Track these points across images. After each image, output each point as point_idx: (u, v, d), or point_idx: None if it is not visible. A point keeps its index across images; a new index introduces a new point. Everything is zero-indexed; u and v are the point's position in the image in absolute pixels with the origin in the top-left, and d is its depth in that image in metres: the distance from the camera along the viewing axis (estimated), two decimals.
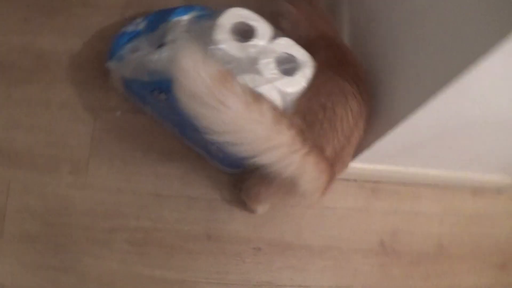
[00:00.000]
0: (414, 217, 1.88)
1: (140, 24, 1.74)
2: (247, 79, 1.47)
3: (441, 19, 1.21)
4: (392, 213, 1.87)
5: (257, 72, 1.48)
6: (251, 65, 1.49)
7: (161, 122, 1.77)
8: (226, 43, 1.50)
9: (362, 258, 1.81)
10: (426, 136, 1.45)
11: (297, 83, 1.49)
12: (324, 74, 1.50)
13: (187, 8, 1.68)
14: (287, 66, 1.51)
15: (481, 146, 1.56)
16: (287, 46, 1.53)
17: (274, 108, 1.21)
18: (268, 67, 1.49)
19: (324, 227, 1.82)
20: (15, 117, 1.79)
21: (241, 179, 1.72)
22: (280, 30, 1.55)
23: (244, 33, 1.54)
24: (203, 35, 1.55)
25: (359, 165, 1.70)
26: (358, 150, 1.58)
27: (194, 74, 1.10)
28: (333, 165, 1.38)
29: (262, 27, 1.54)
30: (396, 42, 1.49)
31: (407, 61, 1.40)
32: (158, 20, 1.70)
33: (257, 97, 1.19)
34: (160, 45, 1.61)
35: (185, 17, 1.66)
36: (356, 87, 1.48)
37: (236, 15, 1.55)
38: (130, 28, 1.73)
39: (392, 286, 1.80)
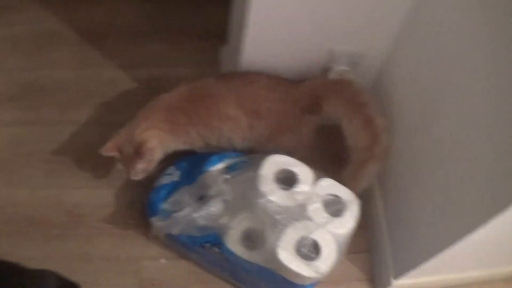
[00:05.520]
0: None
1: (174, 175, 1.79)
2: (299, 226, 1.54)
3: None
4: None
5: (308, 218, 1.56)
6: (301, 212, 1.57)
7: (207, 267, 1.81)
8: (274, 194, 1.57)
9: None
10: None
11: (347, 223, 1.57)
12: None
13: (220, 156, 1.75)
14: (334, 208, 1.59)
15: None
16: (330, 186, 1.62)
17: None
18: (318, 212, 1.57)
19: None
20: None
21: None
22: None
23: (287, 179, 1.62)
24: (247, 187, 1.62)
25: (404, 281, 1.77)
26: (402, 271, 1.70)
27: None
28: None
29: (303, 171, 1.62)
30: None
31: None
32: (193, 169, 1.77)
33: None
34: (201, 197, 1.69)
35: (220, 165, 1.73)
36: None
37: (276, 162, 1.63)
38: (165, 180, 1.78)
39: None
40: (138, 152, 1.71)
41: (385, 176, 1.85)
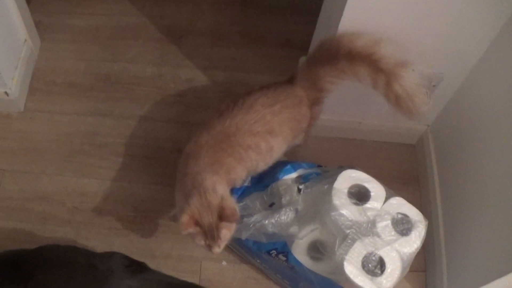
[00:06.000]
0: None
1: (246, 180, 1.79)
2: (367, 242, 1.56)
3: None
4: None
5: (377, 234, 1.57)
6: (370, 228, 1.58)
7: (268, 273, 1.83)
8: (346, 208, 1.59)
9: None
10: None
11: (413, 242, 1.58)
12: None
13: (294, 166, 1.76)
14: (402, 227, 1.61)
15: None
16: (400, 205, 1.63)
17: None
18: (386, 229, 1.58)
19: None
20: None
21: None
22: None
23: (359, 194, 1.64)
24: (320, 199, 1.64)
25: None
26: None
27: None
28: None
29: (376, 188, 1.64)
30: None
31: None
32: (263, 176, 1.78)
33: None
34: (271, 204, 1.70)
35: (294, 175, 1.74)
36: None
37: (351, 177, 1.65)
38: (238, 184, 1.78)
39: None
40: (224, 216, 1.53)
41: (447, 196, 1.86)
